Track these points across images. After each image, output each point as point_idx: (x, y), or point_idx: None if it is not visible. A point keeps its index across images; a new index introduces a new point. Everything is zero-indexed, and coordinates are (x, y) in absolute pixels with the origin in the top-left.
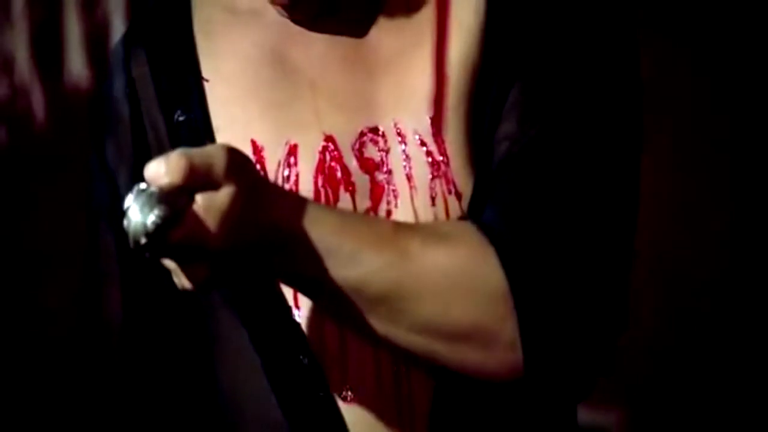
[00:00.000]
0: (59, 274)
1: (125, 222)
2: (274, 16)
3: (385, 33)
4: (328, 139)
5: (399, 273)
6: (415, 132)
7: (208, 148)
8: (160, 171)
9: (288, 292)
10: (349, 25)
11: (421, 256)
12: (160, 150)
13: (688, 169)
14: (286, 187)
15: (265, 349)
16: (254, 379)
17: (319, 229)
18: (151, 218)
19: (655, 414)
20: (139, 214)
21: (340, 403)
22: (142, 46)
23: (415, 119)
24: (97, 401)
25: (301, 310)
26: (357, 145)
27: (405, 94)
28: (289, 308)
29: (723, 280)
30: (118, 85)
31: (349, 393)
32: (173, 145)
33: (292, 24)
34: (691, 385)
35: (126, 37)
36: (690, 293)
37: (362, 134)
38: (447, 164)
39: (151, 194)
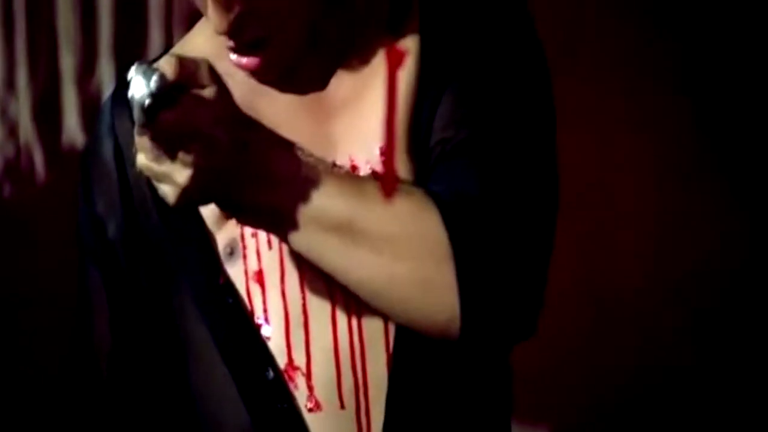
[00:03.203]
0: (59, 306)
1: (129, 91)
2: (244, 75)
3: (341, 81)
4: None
5: (354, 207)
6: (367, 162)
7: (196, 57)
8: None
9: (258, 305)
10: (310, 77)
11: (375, 197)
12: (144, 204)
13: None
14: None
15: (234, 363)
16: (225, 387)
17: (287, 158)
18: (154, 81)
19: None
20: (142, 78)
21: (305, 413)
22: (126, 105)
23: (366, 152)
24: (89, 411)
25: (271, 324)
26: None
27: (358, 131)
28: (257, 324)
29: (645, 299)
30: (106, 146)
31: (314, 404)
32: (156, 201)
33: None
34: (620, 403)
35: (112, 98)
36: (614, 310)
37: None
38: (395, 176)
39: (151, 66)
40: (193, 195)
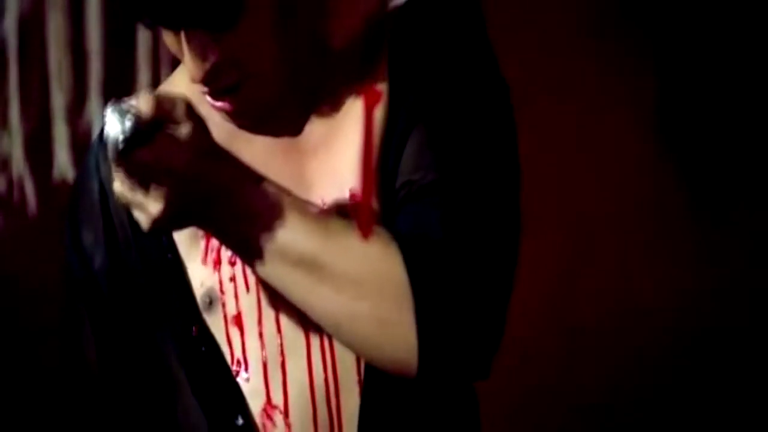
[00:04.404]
0: (53, 334)
1: (105, 130)
2: (222, 118)
3: (316, 123)
4: None
5: (318, 244)
6: (337, 204)
7: (173, 94)
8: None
9: (237, 348)
10: (285, 119)
11: (340, 236)
12: (126, 239)
13: None
14: (231, 258)
15: (207, 407)
16: (200, 428)
17: (257, 193)
18: (129, 121)
19: None
20: (117, 120)
21: None
22: None
23: (338, 194)
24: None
25: (250, 365)
26: None
27: (330, 173)
28: (232, 371)
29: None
30: (92, 183)
31: None
32: (135, 237)
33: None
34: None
35: (100, 139)
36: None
37: None
38: (368, 217)
39: (128, 107)
40: (164, 224)
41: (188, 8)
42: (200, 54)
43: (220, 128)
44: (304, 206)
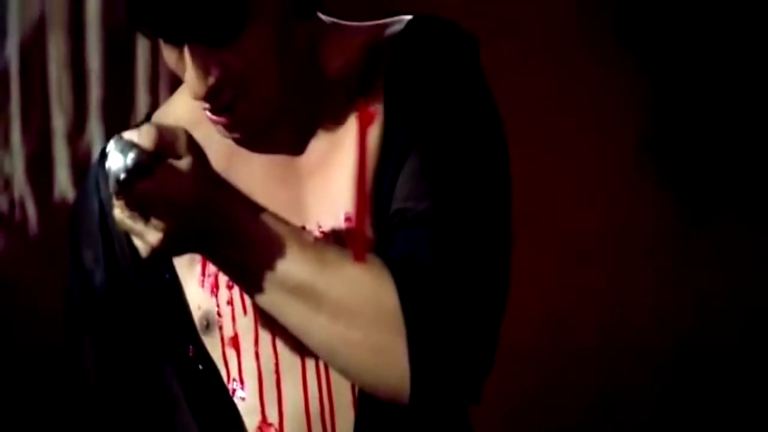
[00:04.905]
0: (55, 350)
1: (107, 164)
2: (222, 141)
3: (313, 145)
4: None
5: (314, 273)
6: (333, 229)
7: (175, 126)
8: (134, 137)
9: (234, 368)
10: (283, 142)
11: (335, 266)
12: (125, 258)
13: None
14: (229, 282)
15: (203, 424)
16: None
17: (255, 223)
18: (130, 157)
19: None
20: (119, 154)
21: None
22: None
23: (333, 219)
24: None
25: (246, 385)
26: None
27: (326, 196)
28: (228, 389)
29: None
30: (92, 204)
31: None
32: (133, 257)
33: (236, 147)
34: None
35: (100, 160)
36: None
37: None
38: (363, 242)
39: (129, 141)
40: (163, 252)
41: (190, 21)
42: (203, 70)
43: (220, 150)
44: (301, 235)
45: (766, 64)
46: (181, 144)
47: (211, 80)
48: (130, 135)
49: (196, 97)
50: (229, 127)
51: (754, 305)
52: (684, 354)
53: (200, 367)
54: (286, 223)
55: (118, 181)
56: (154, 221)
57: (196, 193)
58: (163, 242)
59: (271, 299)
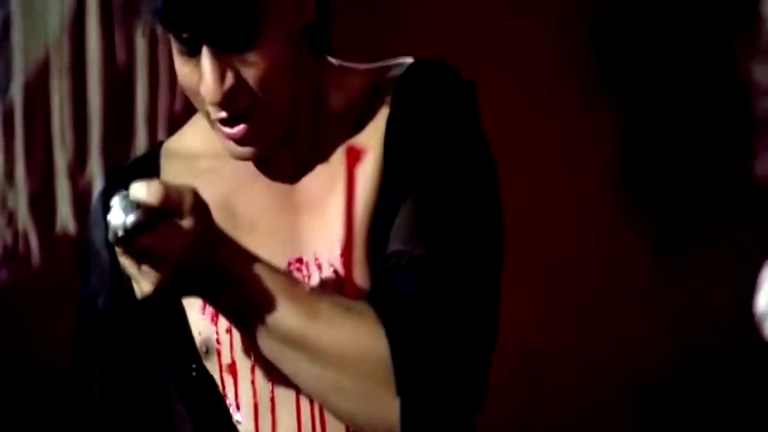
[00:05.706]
0: (59, 378)
1: (109, 216)
2: (227, 171)
3: (312, 177)
4: None
5: (305, 325)
6: (329, 262)
7: (182, 186)
8: (142, 192)
9: (230, 394)
10: (284, 171)
11: (326, 318)
12: (130, 283)
13: None
14: None
15: None
16: None
17: (250, 274)
18: (131, 217)
19: None
20: (121, 212)
21: None
22: None
23: (329, 251)
24: None
25: (242, 411)
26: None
27: (321, 230)
28: (228, 409)
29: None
30: (98, 233)
31: None
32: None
33: (239, 177)
34: None
35: (104, 192)
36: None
37: (290, 264)
38: (352, 281)
39: (133, 201)
40: (156, 299)
41: (208, 21)
42: (219, 75)
43: (226, 181)
44: (294, 286)
45: (736, 99)
46: (187, 205)
47: (227, 84)
48: (138, 189)
49: (212, 102)
50: (241, 141)
51: (723, 323)
52: (664, 376)
53: (203, 383)
54: (280, 273)
55: (116, 235)
56: (148, 270)
57: (195, 248)
58: (155, 290)
59: (264, 345)
